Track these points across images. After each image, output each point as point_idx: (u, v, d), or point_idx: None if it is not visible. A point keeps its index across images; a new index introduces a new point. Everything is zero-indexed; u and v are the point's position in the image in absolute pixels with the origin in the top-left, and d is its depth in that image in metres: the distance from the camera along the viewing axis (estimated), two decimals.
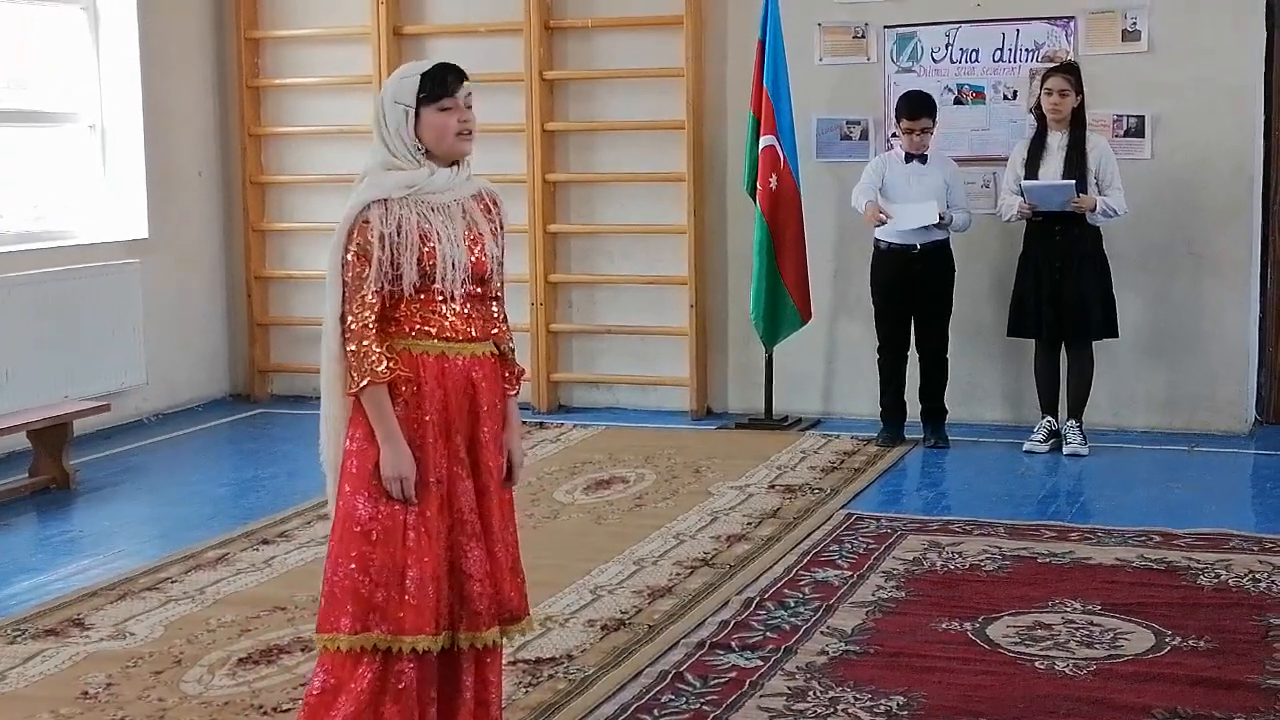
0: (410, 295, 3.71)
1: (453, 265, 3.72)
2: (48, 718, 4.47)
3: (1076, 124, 7.54)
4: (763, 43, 8.22)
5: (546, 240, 9.03)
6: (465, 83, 3.80)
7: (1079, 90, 7.52)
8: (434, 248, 3.70)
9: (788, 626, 5.10)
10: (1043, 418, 7.82)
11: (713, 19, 8.73)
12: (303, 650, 4.95)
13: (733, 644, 4.93)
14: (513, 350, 3.94)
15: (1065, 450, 7.66)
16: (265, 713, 4.45)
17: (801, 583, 5.59)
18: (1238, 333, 8.08)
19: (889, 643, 4.93)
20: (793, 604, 5.34)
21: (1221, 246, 8.04)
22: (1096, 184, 7.51)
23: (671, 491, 7.05)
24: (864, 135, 8.52)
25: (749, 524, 6.45)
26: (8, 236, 8.34)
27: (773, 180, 8.20)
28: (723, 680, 4.62)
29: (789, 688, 4.55)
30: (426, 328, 3.74)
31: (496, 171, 9.04)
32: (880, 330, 8.01)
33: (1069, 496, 7.06)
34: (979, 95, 8.31)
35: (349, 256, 3.68)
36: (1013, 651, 4.85)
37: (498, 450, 3.83)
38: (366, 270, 3.66)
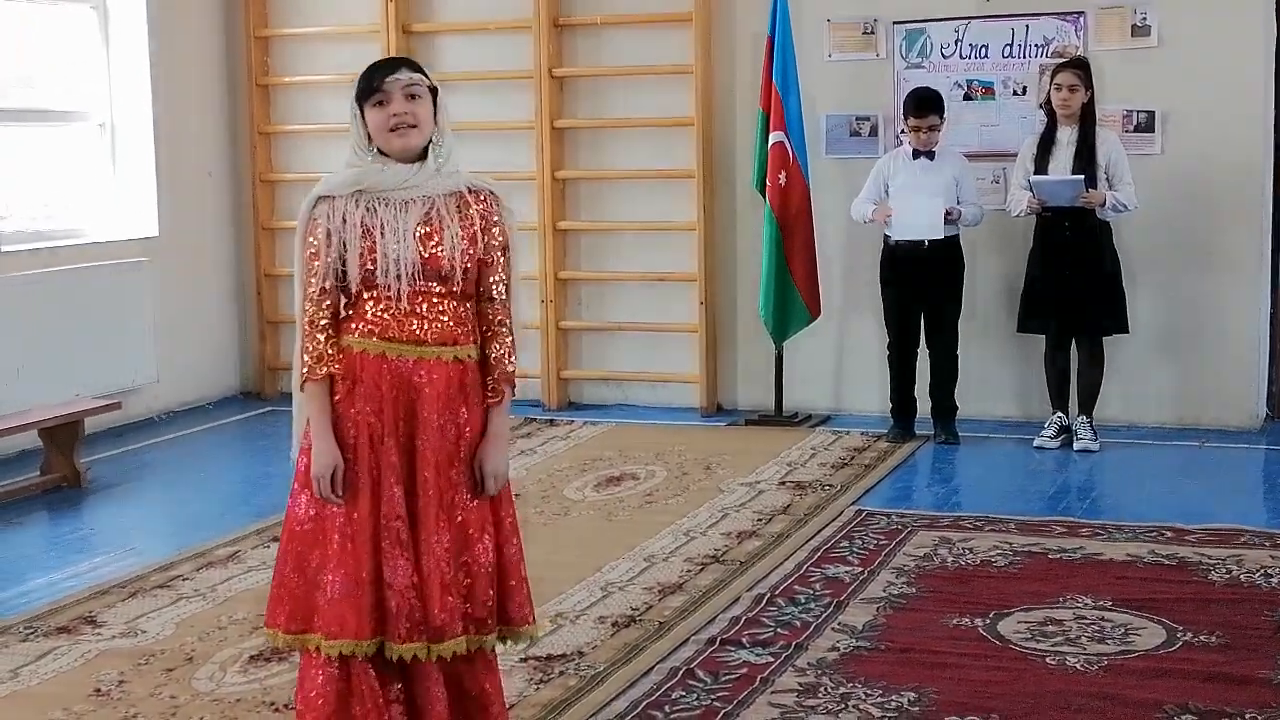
0: (357, 292, 3.68)
1: (396, 261, 3.63)
2: (60, 715, 4.48)
3: (1086, 119, 7.53)
4: (772, 39, 8.21)
5: (556, 237, 9.03)
6: (401, 74, 3.69)
7: (1089, 85, 7.51)
8: (374, 244, 3.64)
9: (798, 623, 5.09)
10: (1053, 413, 7.81)
11: (721, 15, 8.73)
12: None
13: (743, 640, 4.93)
14: (508, 355, 3.81)
15: (1076, 446, 7.65)
16: (276, 709, 4.46)
17: (812, 579, 5.59)
18: (1249, 328, 8.06)
19: (900, 639, 4.93)
20: (803, 600, 5.33)
21: (1232, 242, 8.02)
22: (1107, 179, 7.49)
23: (682, 488, 7.04)
24: (873, 131, 8.51)
25: (759, 520, 6.45)
26: (18, 235, 8.35)
27: (782, 177, 8.20)
28: (734, 677, 4.62)
29: (800, 684, 4.55)
30: (370, 326, 3.69)
31: (506, 169, 9.07)
32: (890, 326, 8.00)
33: (1080, 492, 7.06)
34: (988, 91, 8.29)
35: (304, 254, 3.70)
36: (1024, 647, 4.85)
37: (442, 461, 3.70)
38: (316, 266, 3.68)
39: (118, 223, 8.91)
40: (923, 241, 7.75)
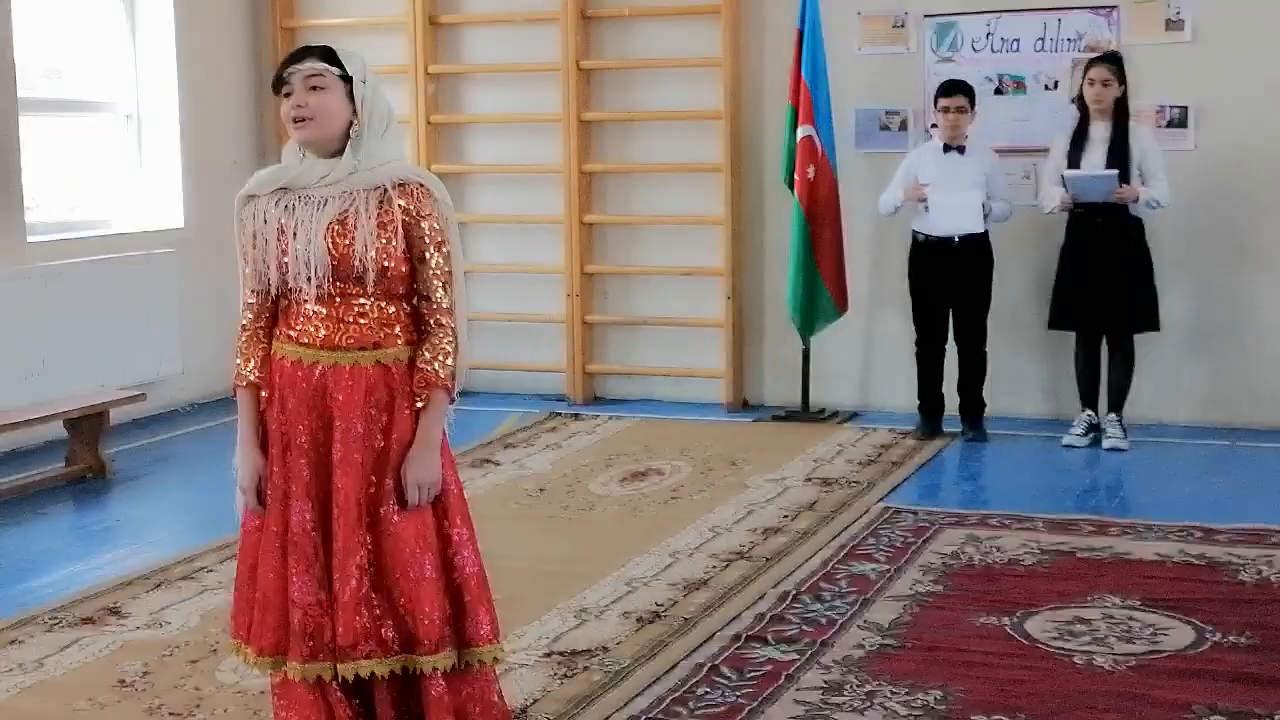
0: (280, 295, 3.61)
1: (307, 263, 3.51)
2: (85, 706, 4.47)
3: (1120, 114, 7.47)
4: (801, 32, 8.17)
5: (582, 231, 9.00)
6: (305, 63, 3.57)
7: (1122, 80, 7.45)
8: (287, 244, 3.54)
9: (824, 620, 5.06)
10: (1082, 411, 7.76)
11: (750, 8, 8.69)
12: None
13: (769, 637, 4.89)
14: (439, 357, 3.61)
15: (1105, 444, 7.59)
16: None
17: (838, 576, 5.55)
18: None
19: (926, 637, 4.89)
20: (829, 597, 5.30)
21: (1265, 239, 7.95)
22: (1140, 175, 7.43)
23: (707, 484, 7.01)
24: (903, 126, 8.46)
25: (785, 517, 6.41)
26: (44, 226, 8.36)
27: (810, 171, 8.16)
28: (759, 673, 4.59)
29: (825, 681, 4.51)
30: (290, 331, 3.61)
31: (533, 161, 9.08)
32: (918, 323, 7.95)
33: (1108, 491, 7.00)
34: (1020, 85, 8.24)
35: (239, 257, 3.65)
36: (1051, 646, 4.80)
37: (367, 471, 3.55)
38: (246, 271, 3.63)
39: (144, 214, 8.91)
40: (952, 238, 7.70)
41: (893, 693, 4.42)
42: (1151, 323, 7.62)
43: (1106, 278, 7.47)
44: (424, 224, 3.59)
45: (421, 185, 3.61)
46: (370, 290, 3.55)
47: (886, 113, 8.50)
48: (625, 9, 8.87)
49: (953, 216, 7.66)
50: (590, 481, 7.09)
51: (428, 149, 9.21)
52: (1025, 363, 8.31)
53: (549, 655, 4.76)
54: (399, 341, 3.61)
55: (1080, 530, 6.11)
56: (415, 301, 3.64)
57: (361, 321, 3.57)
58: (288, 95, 3.57)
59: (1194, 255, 8.01)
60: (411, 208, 3.58)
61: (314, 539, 3.55)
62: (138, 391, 7.84)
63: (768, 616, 5.10)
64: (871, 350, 8.67)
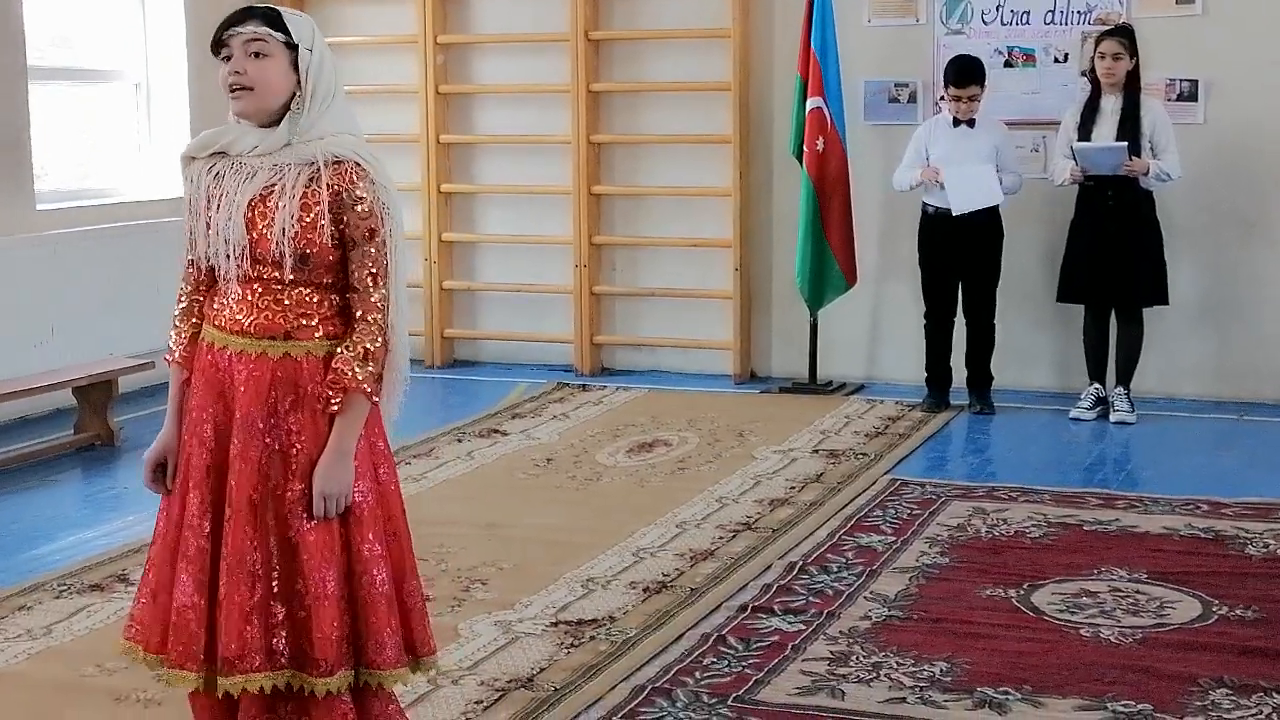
0: (209, 270, 3.32)
1: (226, 241, 3.21)
2: (93, 671, 4.48)
3: (1131, 88, 7.44)
4: (811, 3, 8.14)
5: (590, 202, 8.99)
6: (246, 26, 3.23)
7: (1133, 54, 7.42)
8: (211, 218, 3.25)
9: (830, 591, 5.07)
10: (1090, 385, 7.75)
11: None
12: None
13: (775, 608, 4.90)
14: (359, 356, 3.22)
15: (1112, 418, 7.59)
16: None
17: (844, 547, 5.56)
18: None
19: (932, 608, 4.90)
20: (835, 569, 5.31)
21: (1274, 213, 7.93)
22: (1150, 148, 7.41)
23: (714, 455, 7.02)
24: (912, 98, 8.44)
25: (792, 488, 6.42)
26: (53, 194, 8.35)
27: (819, 143, 8.14)
28: (765, 644, 4.60)
29: (831, 652, 4.52)
30: (212, 311, 3.31)
31: (542, 132, 9.05)
32: (927, 295, 7.94)
33: (1116, 464, 7.00)
34: (1029, 58, 8.21)
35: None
36: (1057, 619, 4.81)
37: (266, 472, 3.22)
38: (186, 237, 3.34)
39: (152, 183, 8.90)
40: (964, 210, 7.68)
41: (899, 664, 4.43)
42: (1160, 296, 7.60)
43: (1116, 251, 7.46)
44: (357, 208, 3.22)
45: (359, 164, 3.24)
46: (289, 276, 3.21)
47: (896, 85, 8.47)
48: None
49: (971, 193, 7.61)
50: (597, 452, 7.10)
51: (436, 119, 9.19)
52: (1033, 336, 8.31)
53: (555, 625, 4.78)
54: (316, 334, 3.24)
55: (1087, 503, 6.12)
56: (345, 293, 3.28)
57: (276, 309, 3.23)
58: (226, 59, 3.24)
59: (1203, 229, 7.99)
60: (343, 188, 3.21)
61: (201, 535, 3.23)
62: (146, 360, 7.82)
63: (774, 587, 5.10)
64: (879, 322, 8.66)
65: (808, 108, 8.15)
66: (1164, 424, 7.63)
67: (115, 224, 8.32)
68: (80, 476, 6.94)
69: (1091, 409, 7.68)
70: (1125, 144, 7.33)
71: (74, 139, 8.75)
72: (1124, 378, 7.67)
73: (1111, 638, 4.65)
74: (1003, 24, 8.23)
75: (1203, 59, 7.91)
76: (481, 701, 4.19)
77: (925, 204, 7.83)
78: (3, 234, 7.69)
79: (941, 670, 4.38)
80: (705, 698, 4.20)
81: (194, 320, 3.36)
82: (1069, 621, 4.79)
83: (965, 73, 7.65)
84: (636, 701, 4.19)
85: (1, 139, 7.73)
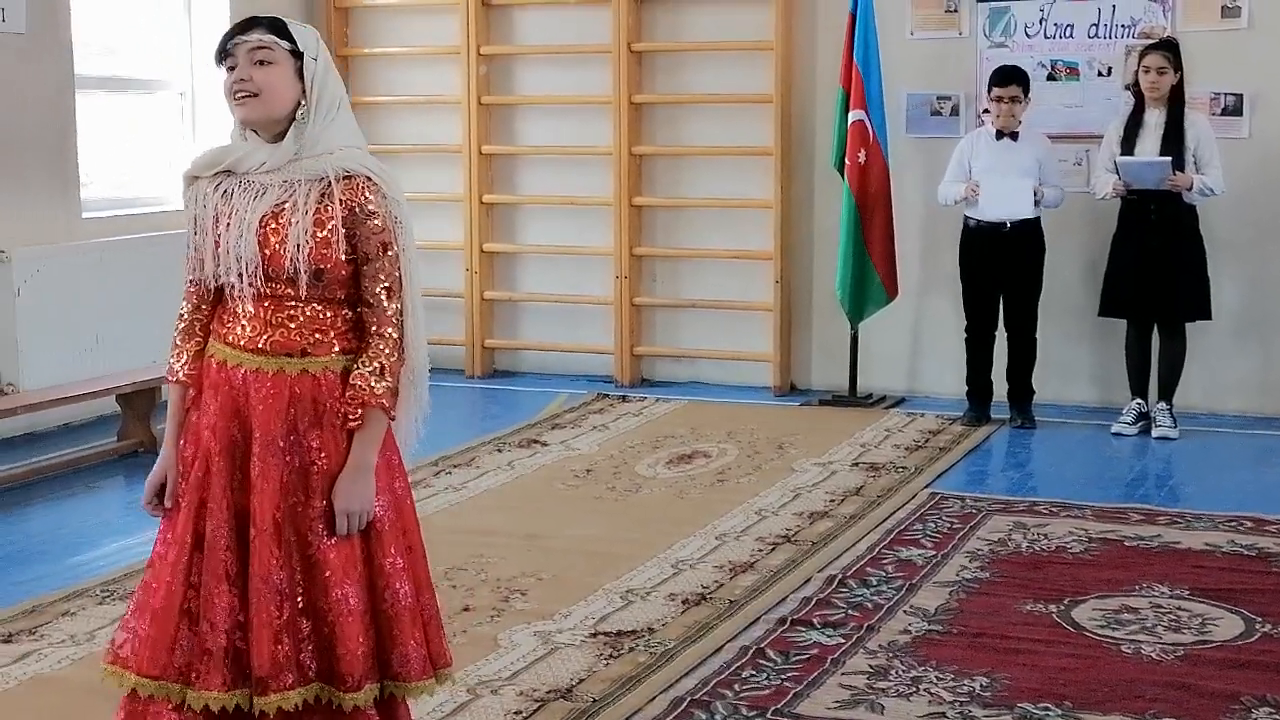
0: (218, 289, 3.29)
1: (238, 258, 3.20)
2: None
3: (1175, 102, 7.40)
4: (853, 16, 8.13)
5: (632, 213, 9.00)
6: (251, 34, 3.23)
7: (1178, 68, 7.38)
8: (220, 236, 3.23)
9: (870, 605, 5.06)
10: (1132, 399, 7.71)
11: None
12: None
13: (814, 621, 4.90)
14: (378, 372, 3.22)
15: (1155, 433, 7.55)
16: None
17: (884, 561, 5.55)
18: None
19: (972, 623, 4.88)
20: (875, 582, 5.29)
21: None
22: (1194, 162, 7.38)
23: (754, 467, 7.01)
24: (955, 111, 8.42)
25: (831, 501, 6.41)
26: (99, 202, 8.42)
27: (862, 155, 8.13)
28: (804, 657, 4.59)
29: (871, 666, 4.52)
30: (221, 328, 3.29)
31: (584, 143, 9.07)
32: (968, 309, 7.92)
33: (1158, 480, 6.97)
34: (1073, 71, 8.18)
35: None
36: (1098, 635, 4.79)
37: (288, 490, 3.20)
38: (189, 257, 3.33)
39: None
40: (1004, 223, 7.67)
41: (938, 678, 4.42)
42: (1204, 311, 7.56)
43: (1158, 265, 7.42)
44: (370, 222, 3.21)
45: (369, 179, 3.23)
46: (303, 294, 3.21)
47: (938, 98, 8.46)
48: None
49: (1004, 201, 7.62)
50: (637, 463, 7.10)
51: (478, 130, 9.23)
52: (1075, 350, 8.27)
53: (595, 635, 4.78)
54: (333, 350, 3.24)
55: (1129, 519, 6.08)
56: (358, 308, 3.27)
57: (291, 325, 3.23)
58: (231, 69, 3.24)
59: (1247, 243, 7.94)
60: (355, 203, 3.21)
61: (231, 556, 3.21)
62: None
63: (814, 600, 5.10)
64: (920, 335, 8.64)
65: (850, 120, 8.15)
66: (1207, 440, 7.59)
67: (160, 232, 8.37)
68: (123, 483, 6.98)
69: (1134, 424, 7.64)
70: (1169, 158, 7.30)
71: (120, 148, 8.81)
72: (1166, 393, 7.63)
73: (1153, 654, 4.62)
74: (1046, 37, 8.21)
75: (1248, 73, 7.87)
76: (521, 712, 4.20)
77: (967, 217, 7.81)
78: (48, 242, 7.76)
79: (981, 685, 4.36)
80: (744, 710, 4.20)
81: (197, 339, 3.34)
82: (1110, 638, 4.76)
83: (1007, 74, 7.66)
84: (675, 713, 4.19)
85: (48, 147, 7.80)
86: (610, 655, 4.63)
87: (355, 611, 3.22)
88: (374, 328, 3.24)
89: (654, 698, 4.30)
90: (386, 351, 3.24)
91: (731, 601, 5.12)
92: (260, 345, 3.22)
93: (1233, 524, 5.99)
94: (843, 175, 8.23)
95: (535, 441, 7.52)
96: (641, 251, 9.07)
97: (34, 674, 4.58)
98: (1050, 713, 4.18)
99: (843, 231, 8.23)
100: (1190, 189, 7.35)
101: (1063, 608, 5.03)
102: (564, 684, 4.39)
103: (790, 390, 8.85)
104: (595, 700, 4.28)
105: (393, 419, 3.30)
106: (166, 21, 8.89)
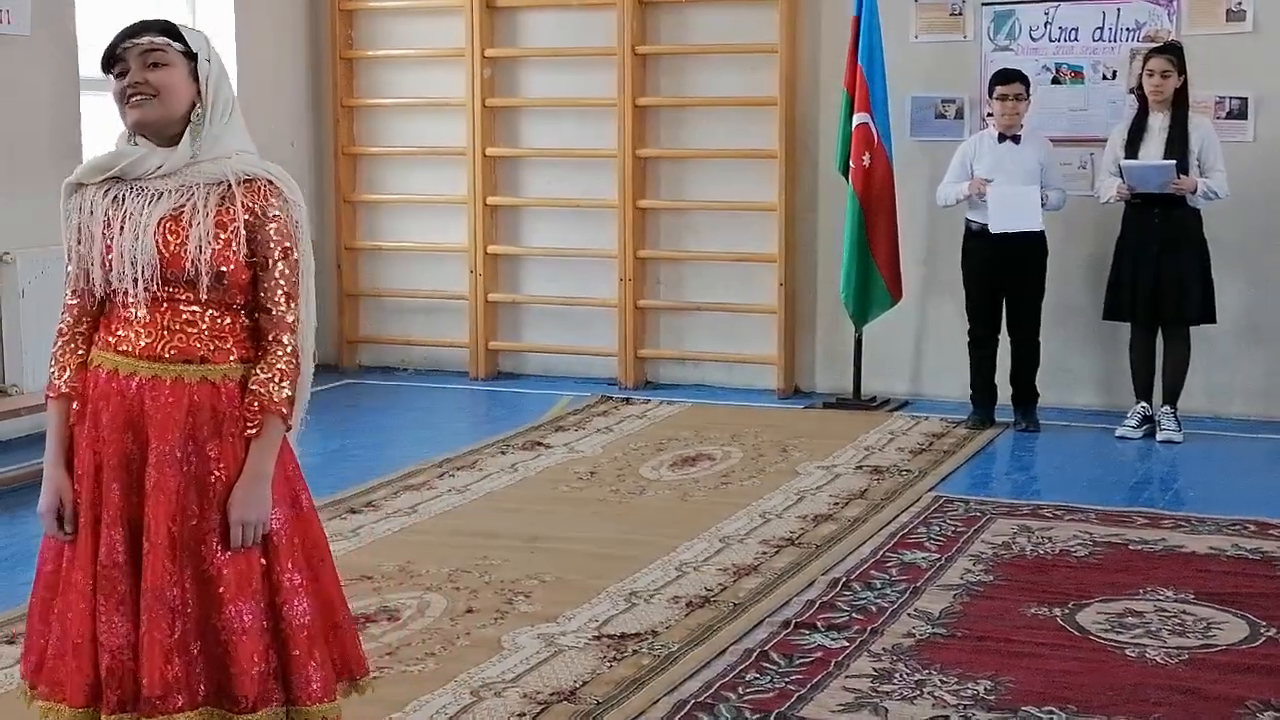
0: (104, 297, 3.17)
1: (132, 263, 3.09)
2: None
3: (1179, 105, 7.40)
4: (857, 19, 8.13)
5: (636, 216, 9.00)
6: (143, 38, 3.14)
7: (1182, 71, 7.38)
8: (113, 240, 3.13)
9: (874, 608, 5.05)
10: (1137, 403, 7.71)
11: None
12: (389, 620, 4.97)
13: (818, 624, 4.89)
14: (277, 379, 3.17)
15: (1159, 437, 7.54)
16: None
17: (888, 564, 5.54)
18: None
19: (976, 626, 4.88)
20: (879, 585, 5.29)
21: None
22: (1198, 166, 7.37)
23: (758, 470, 7.01)
24: (959, 114, 8.42)
25: (836, 504, 6.40)
26: None
27: (866, 158, 8.13)
28: (808, 660, 4.59)
29: (875, 669, 4.51)
30: (109, 337, 3.17)
31: (588, 146, 9.08)
32: (971, 312, 7.91)
33: (1162, 483, 6.96)
34: (1077, 75, 8.18)
35: (65, 252, 3.24)
36: (1103, 638, 4.78)
37: (185, 503, 3.10)
38: (69, 268, 3.22)
39: None
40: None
41: (942, 681, 4.42)
42: (1208, 315, 7.55)
43: (1163, 269, 7.42)
44: (269, 226, 3.15)
45: (270, 183, 3.18)
46: (203, 297, 3.12)
47: (942, 101, 8.46)
48: None
49: (1013, 215, 7.58)
50: (641, 466, 7.10)
51: (483, 132, 9.23)
52: (1079, 353, 8.27)
53: (598, 638, 4.78)
54: (231, 358, 3.16)
55: (1133, 522, 6.08)
56: (255, 314, 3.20)
57: (190, 331, 3.13)
58: (121, 75, 3.15)
59: (1251, 247, 7.94)
60: (256, 207, 3.15)
61: (125, 572, 3.11)
62: None
63: (818, 603, 5.09)
64: (924, 338, 8.64)
65: (854, 123, 8.14)
66: (1211, 443, 7.58)
67: None
68: None
69: (1138, 427, 7.64)
70: (1173, 162, 7.29)
71: None
72: (1171, 396, 7.62)
73: (1157, 658, 4.62)
74: (1050, 40, 8.21)
75: (1253, 76, 7.86)
76: (524, 714, 4.20)
77: (969, 220, 7.81)
78: (53, 244, 7.74)
79: (985, 689, 4.36)
80: (748, 713, 4.20)
81: (80, 352, 3.22)
82: (1114, 641, 4.76)
83: (1009, 73, 7.68)
84: (679, 716, 4.19)
85: (55, 149, 7.81)
86: (614, 658, 4.63)
87: (251, 630, 3.13)
88: (272, 334, 3.18)
89: (657, 700, 4.30)
90: (285, 358, 3.18)
91: (735, 604, 5.12)
92: (158, 352, 3.12)
93: (1237, 528, 5.98)
94: (847, 178, 8.23)
95: (539, 444, 7.52)
96: (645, 254, 9.07)
97: None
98: (1054, 716, 4.17)
99: (847, 234, 8.23)
100: (1194, 192, 7.35)
101: (1067, 611, 5.02)
102: (567, 686, 4.39)
103: (794, 393, 8.84)
104: (599, 703, 4.28)
105: (289, 428, 3.23)
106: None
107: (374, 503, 6.45)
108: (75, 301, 3.22)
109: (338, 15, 9.50)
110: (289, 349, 3.19)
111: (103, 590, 3.11)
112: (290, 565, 3.20)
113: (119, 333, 3.15)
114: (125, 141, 3.22)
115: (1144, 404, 7.69)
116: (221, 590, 3.11)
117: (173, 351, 3.12)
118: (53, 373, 3.23)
